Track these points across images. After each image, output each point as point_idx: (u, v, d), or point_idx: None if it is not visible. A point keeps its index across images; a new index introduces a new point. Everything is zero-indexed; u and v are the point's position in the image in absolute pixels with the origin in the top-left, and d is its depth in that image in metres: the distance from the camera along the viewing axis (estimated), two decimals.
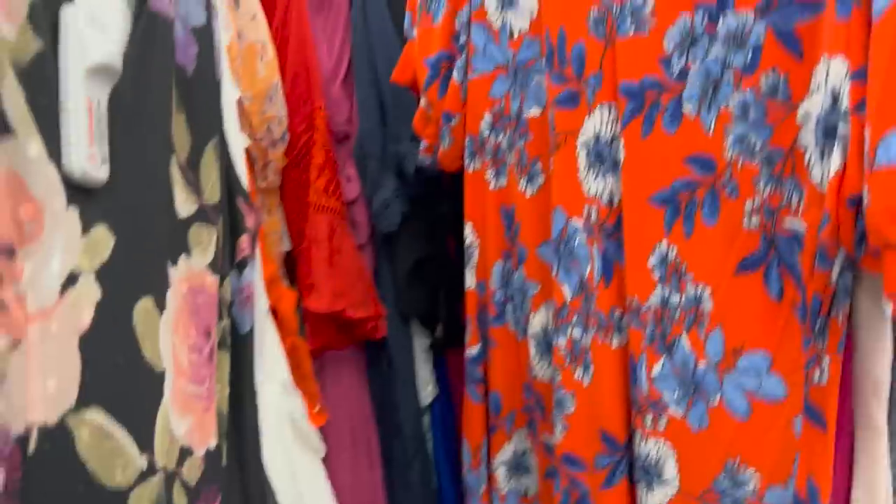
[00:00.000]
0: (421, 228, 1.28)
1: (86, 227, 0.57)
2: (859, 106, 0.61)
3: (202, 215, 0.81)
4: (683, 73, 0.76)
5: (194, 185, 0.81)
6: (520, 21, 0.91)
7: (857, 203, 0.61)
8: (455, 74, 0.97)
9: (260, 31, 1.24)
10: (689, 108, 0.76)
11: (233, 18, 1.21)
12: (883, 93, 0.58)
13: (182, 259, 0.74)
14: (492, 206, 1.00)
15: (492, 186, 0.99)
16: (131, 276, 0.61)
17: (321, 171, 1.27)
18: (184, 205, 0.78)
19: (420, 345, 1.31)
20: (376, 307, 1.26)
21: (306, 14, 1.30)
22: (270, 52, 1.24)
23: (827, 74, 0.65)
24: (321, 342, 1.28)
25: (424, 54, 1.00)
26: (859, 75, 0.63)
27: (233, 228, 0.90)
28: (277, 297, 1.28)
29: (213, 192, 0.83)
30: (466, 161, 1.00)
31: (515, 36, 0.91)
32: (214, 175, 0.82)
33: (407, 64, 1.08)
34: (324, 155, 1.27)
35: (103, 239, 0.59)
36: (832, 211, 0.63)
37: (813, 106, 0.68)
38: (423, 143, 1.06)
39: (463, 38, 0.96)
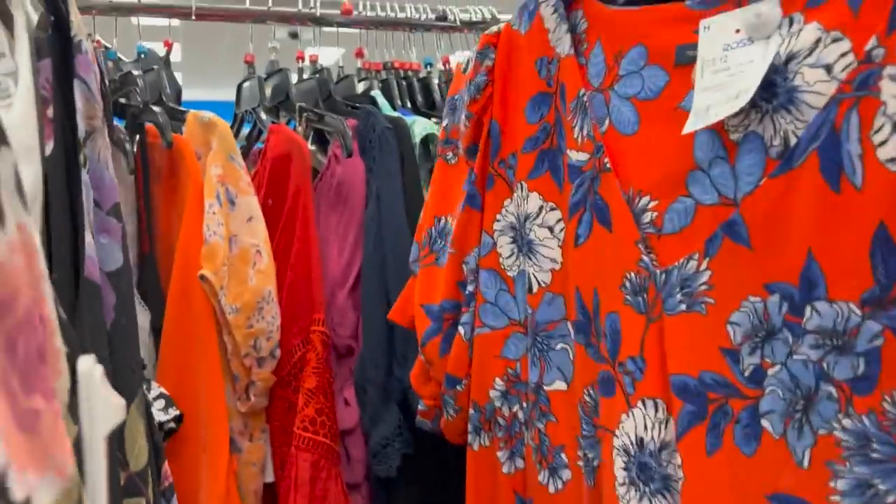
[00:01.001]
0: (425, 473, 1.06)
1: None
2: None
3: (130, 488, 0.67)
4: (759, 375, 0.54)
5: (120, 458, 0.66)
6: (541, 273, 0.71)
7: None
8: (461, 330, 0.77)
9: (256, 234, 1.09)
10: (769, 424, 0.54)
11: (226, 220, 1.07)
12: None
13: None
14: (505, 496, 0.76)
15: (505, 469, 0.75)
16: None
17: (311, 397, 1.07)
18: None
19: None
20: None
21: (312, 215, 1.16)
22: (266, 257, 1.09)
23: None
24: None
25: (425, 300, 0.80)
26: None
27: (156, 455, 0.76)
28: None
29: (139, 455, 0.68)
30: (470, 436, 0.78)
31: (535, 290, 0.72)
32: (140, 436, 0.67)
33: (407, 303, 0.88)
34: (315, 379, 1.08)
35: None
36: None
37: None
38: (422, 405, 0.85)
39: (471, 287, 0.76)
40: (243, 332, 1.06)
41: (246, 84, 1.42)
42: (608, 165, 0.62)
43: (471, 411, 0.77)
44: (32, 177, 0.54)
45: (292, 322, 1.13)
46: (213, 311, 1.04)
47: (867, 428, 0.49)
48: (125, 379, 0.62)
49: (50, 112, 0.61)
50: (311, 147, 1.49)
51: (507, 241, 0.73)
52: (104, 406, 0.43)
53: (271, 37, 1.45)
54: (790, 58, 0.52)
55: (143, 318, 1.15)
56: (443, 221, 0.81)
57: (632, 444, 0.60)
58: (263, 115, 1.34)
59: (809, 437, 0.51)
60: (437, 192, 0.82)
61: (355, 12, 1.44)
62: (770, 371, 0.53)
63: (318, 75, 1.38)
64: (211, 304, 1.04)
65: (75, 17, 0.65)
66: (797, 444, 0.52)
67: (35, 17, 0.63)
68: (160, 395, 1.01)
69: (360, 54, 1.52)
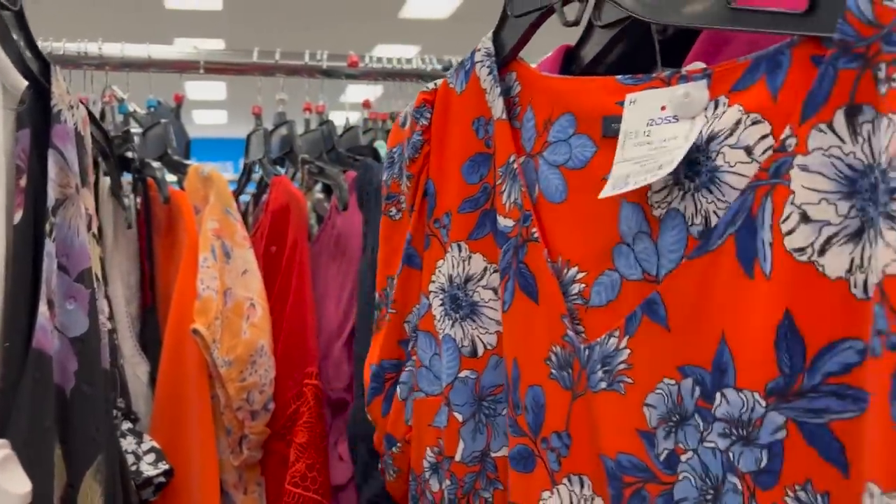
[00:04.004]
0: None
1: None
2: None
3: None
4: (673, 460, 0.52)
5: None
6: (486, 335, 0.68)
7: None
8: (398, 390, 0.75)
9: (250, 287, 1.10)
10: None
11: (221, 274, 1.08)
12: None
13: None
14: None
15: None
16: None
17: (302, 452, 1.07)
18: None
19: None
20: None
21: (308, 269, 1.16)
22: (260, 310, 1.10)
23: None
24: None
25: (371, 360, 0.79)
26: None
27: None
28: None
29: None
30: (410, 503, 0.76)
31: (480, 353, 0.69)
32: (96, 501, 0.67)
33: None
34: (307, 434, 1.08)
35: None
36: None
37: None
38: (380, 462, 0.84)
39: (412, 346, 0.74)
40: (236, 386, 1.06)
41: (254, 135, 1.45)
42: (535, 235, 0.61)
43: (410, 478, 0.75)
44: None
45: (287, 375, 1.13)
46: (205, 365, 1.05)
47: None
48: (83, 447, 0.62)
49: (23, 182, 0.63)
50: (319, 195, 1.51)
51: (438, 302, 0.71)
52: None
53: (279, 89, 1.48)
54: (712, 137, 0.51)
55: (143, 369, 1.16)
56: (394, 280, 0.79)
57: None
58: (269, 167, 1.36)
59: None
60: (385, 250, 0.80)
61: (361, 64, 1.46)
62: (683, 457, 0.51)
63: (323, 126, 1.40)
64: (203, 357, 1.04)
65: (57, 89, 0.67)
66: None
67: (20, 90, 0.66)
68: (151, 449, 1.02)
69: (367, 105, 1.54)
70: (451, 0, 5.80)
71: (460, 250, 0.70)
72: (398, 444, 0.75)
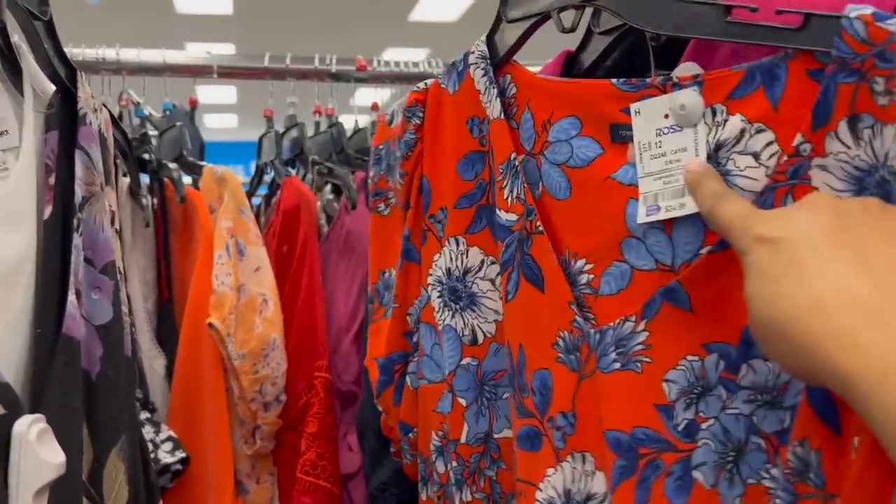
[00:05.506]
0: None
1: None
2: None
3: None
4: (692, 429, 0.56)
5: (96, 499, 0.71)
6: (486, 324, 0.72)
7: None
8: (408, 380, 0.78)
9: (263, 283, 1.14)
10: (701, 475, 0.56)
11: (235, 270, 1.12)
12: None
13: None
14: None
15: None
16: None
17: (312, 442, 1.11)
18: None
19: None
20: None
21: (318, 266, 1.21)
22: (272, 306, 1.14)
23: None
24: None
25: (376, 353, 0.81)
26: None
27: (149, 495, 0.80)
28: None
29: (118, 497, 0.72)
30: (420, 484, 0.79)
31: (480, 340, 0.72)
32: (120, 477, 0.72)
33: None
34: (317, 424, 1.12)
35: None
36: None
37: None
38: (393, 447, 0.88)
39: (416, 338, 0.77)
40: (249, 378, 1.10)
41: (265, 137, 1.49)
42: (540, 228, 0.64)
43: (419, 461, 0.79)
44: (19, 240, 0.59)
45: (298, 368, 1.17)
46: (220, 358, 1.09)
47: (778, 478, 0.51)
48: (108, 428, 0.66)
49: (52, 180, 0.67)
50: (329, 196, 1.55)
51: (436, 295, 0.74)
52: (34, 465, 0.48)
53: (290, 92, 1.52)
54: (719, 146, 0.55)
55: (160, 362, 1.20)
56: (387, 274, 0.82)
57: (558, 496, 0.62)
58: (280, 168, 1.40)
59: (739, 487, 0.54)
60: (377, 246, 0.83)
61: (370, 68, 1.50)
62: (703, 425, 0.55)
63: (332, 129, 1.44)
64: (218, 350, 1.08)
65: (83, 93, 0.71)
66: (728, 493, 0.54)
67: (49, 95, 0.70)
68: (168, 438, 1.06)
69: (374, 108, 1.58)
70: (460, 3, 5.85)
71: (458, 244, 0.73)
72: (414, 430, 0.79)
